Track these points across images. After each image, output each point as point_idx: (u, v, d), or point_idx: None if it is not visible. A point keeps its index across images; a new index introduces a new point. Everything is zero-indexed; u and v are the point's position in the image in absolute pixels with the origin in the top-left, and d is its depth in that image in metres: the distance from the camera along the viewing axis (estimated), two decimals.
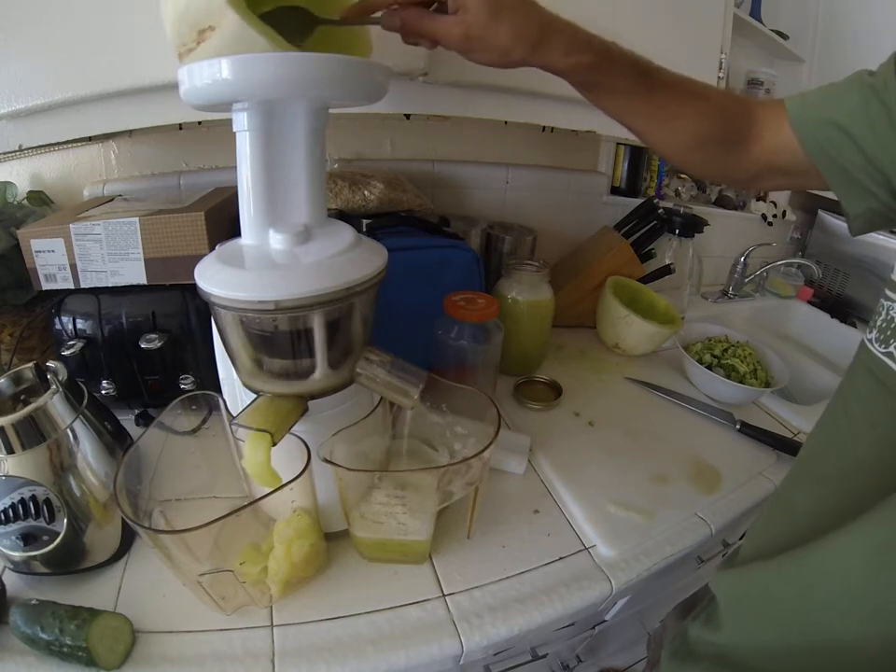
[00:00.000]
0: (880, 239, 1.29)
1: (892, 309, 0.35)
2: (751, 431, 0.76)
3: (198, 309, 0.62)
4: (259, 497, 0.41)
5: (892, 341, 0.35)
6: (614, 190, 1.20)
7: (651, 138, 0.49)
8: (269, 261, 0.40)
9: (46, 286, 0.61)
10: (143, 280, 0.60)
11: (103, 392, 0.63)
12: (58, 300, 0.61)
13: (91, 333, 0.61)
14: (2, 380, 0.48)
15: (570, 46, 0.43)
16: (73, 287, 0.61)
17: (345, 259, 0.41)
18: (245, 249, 0.43)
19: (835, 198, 0.44)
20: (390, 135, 0.96)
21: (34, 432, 0.44)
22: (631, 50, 0.45)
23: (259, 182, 0.41)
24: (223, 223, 0.61)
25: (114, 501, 0.39)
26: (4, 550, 0.44)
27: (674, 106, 0.46)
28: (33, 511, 0.44)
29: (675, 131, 0.47)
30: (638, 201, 1.10)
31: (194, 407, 0.51)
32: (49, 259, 0.59)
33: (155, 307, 0.61)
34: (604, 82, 0.45)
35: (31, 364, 0.49)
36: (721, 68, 0.77)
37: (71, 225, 0.58)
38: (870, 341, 0.37)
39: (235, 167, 0.42)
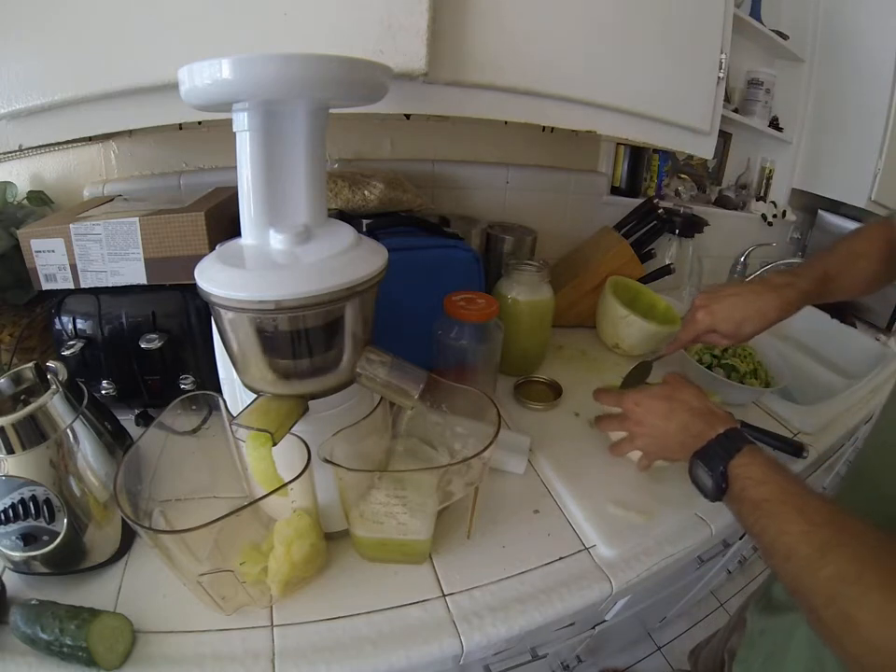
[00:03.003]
0: None
1: None
2: (751, 431, 0.76)
3: (198, 309, 0.62)
4: (259, 496, 0.41)
5: None
6: (614, 190, 1.20)
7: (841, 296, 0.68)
8: (269, 261, 0.40)
9: (46, 286, 0.61)
10: (143, 280, 0.60)
11: (103, 392, 0.63)
12: (58, 300, 0.61)
13: (91, 333, 0.61)
14: (2, 380, 0.48)
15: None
16: (73, 287, 0.60)
17: (345, 259, 0.41)
18: (245, 249, 0.43)
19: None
20: (390, 135, 0.96)
21: (34, 432, 0.44)
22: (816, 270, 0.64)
23: (259, 182, 0.41)
24: (223, 223, 0.61)
25: (114, 501, 0.39)
26: (4, 550, 0.44)
27: (849, 277, 0.64)
28: (33, 511, 0.43)
29: (856, 285, 0.65)
30: (638, 201, 1.10)
31: (194, 407, 0.51)
32: (49, 259, 0.59)
33: (155, 307, 0.61)
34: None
35: (31, 364, 0.49)
36: (720, 68, 0.77)
37: (71, 225, 0.58)
38: None
39: (235, 167, 0.42)
